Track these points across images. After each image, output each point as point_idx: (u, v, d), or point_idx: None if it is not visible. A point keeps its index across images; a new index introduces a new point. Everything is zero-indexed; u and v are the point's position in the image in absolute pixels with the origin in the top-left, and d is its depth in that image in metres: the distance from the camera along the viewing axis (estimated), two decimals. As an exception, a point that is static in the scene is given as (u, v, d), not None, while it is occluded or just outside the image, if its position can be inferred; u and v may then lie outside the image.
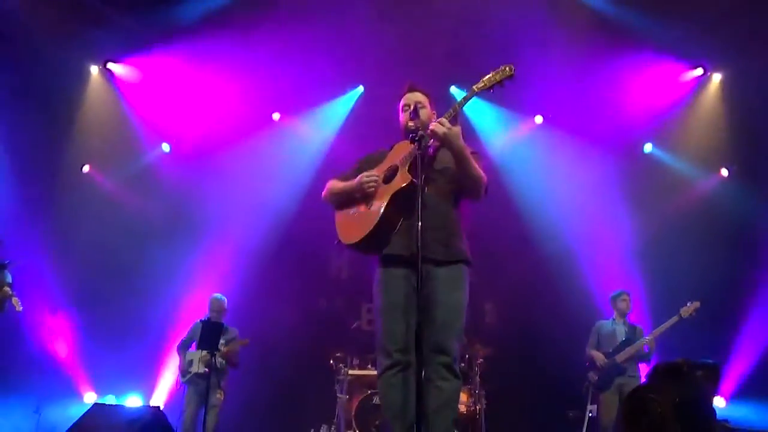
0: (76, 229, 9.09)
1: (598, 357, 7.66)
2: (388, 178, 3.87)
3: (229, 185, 9.42)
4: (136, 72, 9.34)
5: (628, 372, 7.55)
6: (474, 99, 8.74)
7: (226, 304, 8.21)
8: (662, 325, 7.48)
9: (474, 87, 3.74)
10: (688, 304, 7.34)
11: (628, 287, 8.21)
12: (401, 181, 3.77)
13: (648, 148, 9.74)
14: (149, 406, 7.83)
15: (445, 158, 3.91)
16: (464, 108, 9.02)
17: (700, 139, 9.39)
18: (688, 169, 9.53)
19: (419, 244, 3.38)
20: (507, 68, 3.69)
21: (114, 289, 9.11)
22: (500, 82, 3.69)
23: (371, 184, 3.88)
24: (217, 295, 8.27)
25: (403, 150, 3.88)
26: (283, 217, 9.44)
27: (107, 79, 9.41)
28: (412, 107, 4.01)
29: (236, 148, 9.45)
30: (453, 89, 8.93)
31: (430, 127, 3.71)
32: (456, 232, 3.88)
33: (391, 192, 3.79)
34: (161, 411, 5.92)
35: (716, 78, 9.21)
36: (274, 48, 8.37)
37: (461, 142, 3.73)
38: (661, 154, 9.70)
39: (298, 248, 9.34)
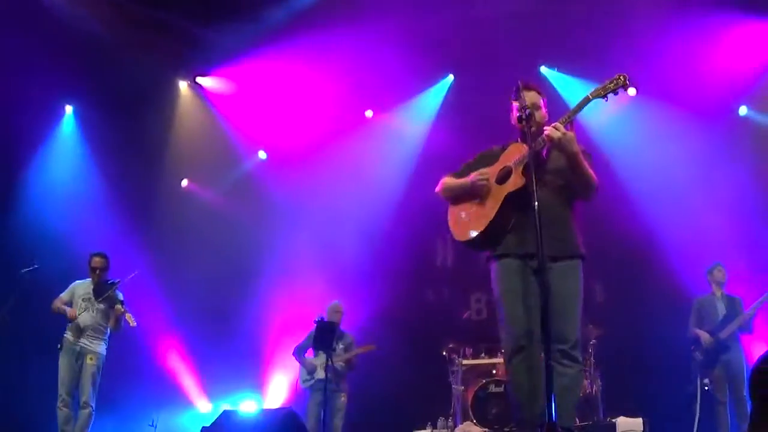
0: (180, 243, 9.35)
1: (704, 337, 7.53)
2: (502, 179, 3.98)
3: (329, 186, 9.48)
4: (224, 83, 9.52)
5: (732, 347, 7.44)
6: (565, 77, 8.66)
7: (338, 307, 8.30)
8: (759, 300, 7.36)
9: (589, 95, 3.79)
10: None
11: (732, 257, 8.03)
12: (515, 183, 3.88)
13: (743, 111, 9.44)
14: (283, 408, 7.90)
15: (557, 158, 3.98)
16: (558, 86, 9.01)
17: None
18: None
19: (540, 240, 3.42)
20: (621, 77, 3.74)
21: (219, 299, 9.30)
22: (615, 91, 3.75)
23: (482, 181, 4.01)
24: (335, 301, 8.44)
25: (516, 151, 3.99)
26: (383, 214, 9.45)
27: (197, 94, 9.63)
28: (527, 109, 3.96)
29: (332, 148, 9.51)
30: (543, 69, 8.85)
31: (546, 132, 3.79)
32: (569, 229, 3.97)
33: (505, 193, 3.91)
34: (295, 412, 5.93)
35: (807, 31, 8.89)
36: (360, 44, 8.38)
37: (575, 147, 3.80)
38: (757, 116, 9.37)
39: (402, 242, 9.35)
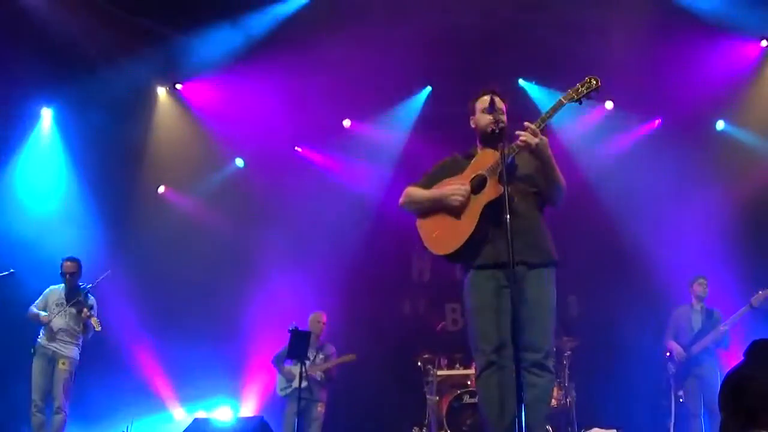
0: (156, 249, 9.31)
1: (676, 350, 7.56)
2: (476, 189, 3.88)
3: (305, 195, 9.47)
4: (203, 90, 9.49)
5: (705, 361, 7.44)
6: (542, 89, 8.67)
7: (320, 317, 8.31)
8: (733, 316, 7.36)
9: (562, 98, 3.75)
10: (759, 292, 7.16)
11: (707, 271, 8.02)
12: (490, 194, 3.79)
13: (720, 125, 9.50)
14: (254, 416, 7.85)
15: (524, 163, 3.95)
16: (535, 99, 9.03)
17: (773, 113, 9.15)
18: (764, 144, 9.25)
19: (512, 250, 3.39)
20: (593, 81, 3.71)
21: (197, 306, 9.28)
22: (588, 94, 3.73)
23: (462, 197, 3.87)
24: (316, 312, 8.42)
25: (487, 159, 3.89)
26: (361, 224, 9.47)
27: (176, 100, 9.60)
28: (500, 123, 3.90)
29: (310, 157, 9.51)
30: (521, 81, 8.88)
31: (521, 138, 3.72)
32: (543, 235, 3.93)
33: (483, 204, 3.81)
34: (266, 421, 5.93)
35: (783, 47, 8.96)
36: (338, 54, 8.35)
37: (550, 152, 3.78)
38: (735, 131, 9.44)
39: (379, 253, 9.37)
